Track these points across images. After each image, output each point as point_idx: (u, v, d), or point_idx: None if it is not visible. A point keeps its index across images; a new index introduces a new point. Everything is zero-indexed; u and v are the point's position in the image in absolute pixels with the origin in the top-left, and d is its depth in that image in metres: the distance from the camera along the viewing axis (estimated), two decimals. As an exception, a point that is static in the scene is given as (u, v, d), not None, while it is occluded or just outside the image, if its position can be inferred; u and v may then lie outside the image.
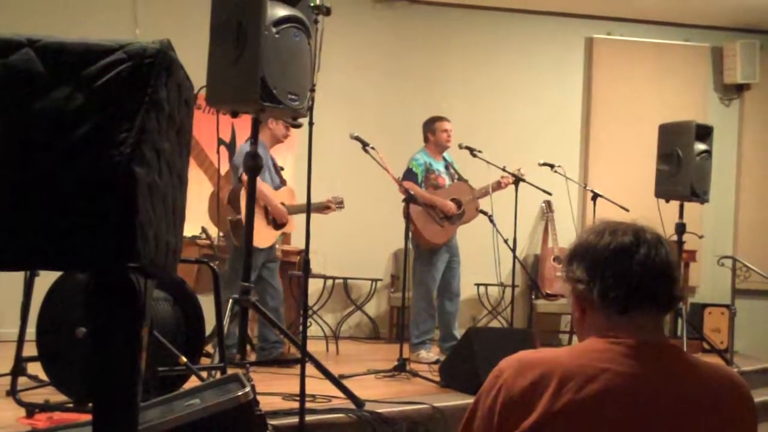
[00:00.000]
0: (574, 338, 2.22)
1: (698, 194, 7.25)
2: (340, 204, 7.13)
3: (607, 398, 1.86)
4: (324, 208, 7.03)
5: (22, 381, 4.53)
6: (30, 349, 4.34)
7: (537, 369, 1.90)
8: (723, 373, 2.02)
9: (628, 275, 1.98)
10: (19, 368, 4.49)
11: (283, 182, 6.92)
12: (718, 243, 10.12)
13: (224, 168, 7.18)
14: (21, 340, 4.46)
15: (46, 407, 4.07)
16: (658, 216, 6.43)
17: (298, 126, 4.72)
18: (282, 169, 7.02)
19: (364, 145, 6.29)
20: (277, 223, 6.66)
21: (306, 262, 4.40)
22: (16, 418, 3.99)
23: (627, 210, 6.64)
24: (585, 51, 10.39)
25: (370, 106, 9.56)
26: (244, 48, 4.42)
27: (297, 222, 6.86)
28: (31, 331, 4.26)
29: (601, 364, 1.89)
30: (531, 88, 10.14)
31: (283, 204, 6.70)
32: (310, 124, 4.43)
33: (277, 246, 6.85)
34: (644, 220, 2.10)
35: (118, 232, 1.50)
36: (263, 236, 6.54)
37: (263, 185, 6.52)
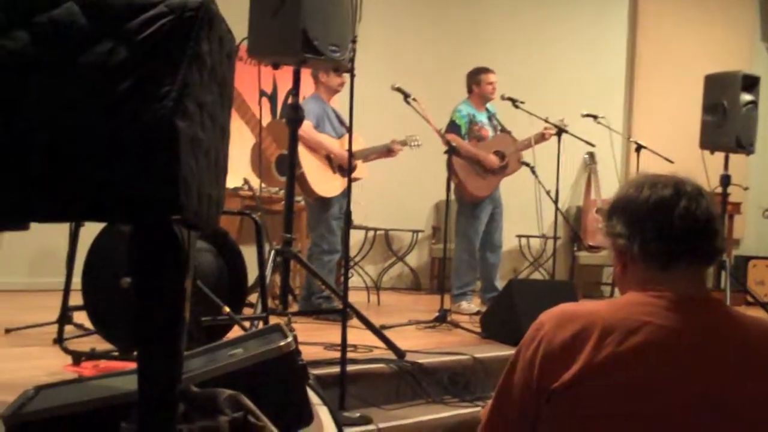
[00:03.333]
0: (616, 291, 2.22)
1: (744, 145, 7.15)
2: (408, 143, 7.10)
3: (648, 351, 1.85)
4: (387, 150, 7.02)
5: (69, 329, 4.60)
6: (76, 298, 4.40)
7: (578, 322, 1.90)
8: (766, 327, 2.01)
9: (668, 229, 1.97)
10: (65, 317, 4.56)
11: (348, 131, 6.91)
12: (763, 195, 10.00)
13: (266, 119, 7.19)
14: (67, 290, 4.53)
15: (92, 355, 4.13)
16: (702, 167, 6.37)
17: (350, 71, 4.70)
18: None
19: (406, 96, 6.26)
20: (344, 171, 6.63)
21: (348, 214, 4.42)
22: (62, 365, 4.05)
23: (671, 161, 6.57)
24: (630, 0, 10.24)
25: (411, 57, 9.50)
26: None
27: (368, 167, 6.91)
28: (76, 280, 4.32)
29: (642, 317, 1.89)
30: (574, 38, 10.01)
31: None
32: (352, 75, 4.42)
33: None
34: (685, 172, 2.08)
35: (161, 185, 1.51)
36: (331, 185, 6.57)
37: (320, 135, 6.54)
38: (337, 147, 6.62)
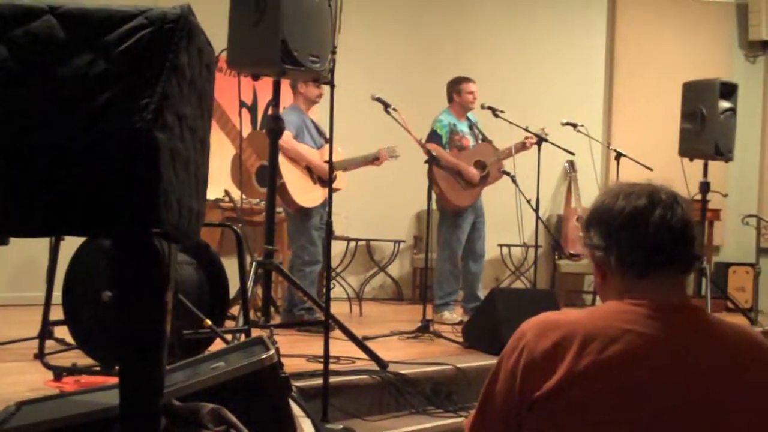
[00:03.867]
0: (598, 299, 2.22)
1: (722, 153, 7.20)
2: (393, 153, 7.11)
3: (629, 359, 1.85)
4: (374, 159, 7.03)
5: (50, 344, 4.57)
6: (57, 313, 4.38)
7: (559, 330, 1.90)
8: (745, 334, 2.02)
9: (644, 239, 1.97)
10: (46, 332, 4.54)
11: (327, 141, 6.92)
12: (742, 202, 10.05)
13: (246, 130, 7.17)
14: (47, 304, 4.50)
15: (74, 370, 4.11)
16: (682, 175, 6.41)
17: (329, 83, 4.70)
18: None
19: (386, 106, 6.27)
20: (324, 181, 6.61)
21: (329, 224, 4.41)
22: (44, 380, 4.03)
23: (650, 169, 6.61)
24: (608, 9, 10.28)
25: (391, 67, 9.51)
26: (265, 10, 4.41)
27: (349, 178, 6.91)
28: (57, 294, 4.29)
29: (623, 325, 1.89)
30: (553, 47, 10.05)
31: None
32: (332, 86, 4.42)
33: None
34: (664, 179, 2.08)
35: (141, 198, 1.50)
36: (311, 196, 6.57)
37: (300, 146, 6.54)
38: (317, 158, 6.62)
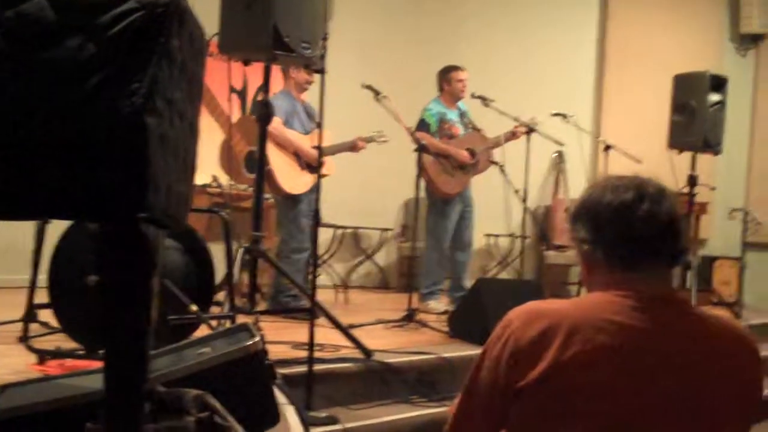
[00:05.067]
0: (583, 290, 2.23)
1: (711, 145, 7.21)
2: (375, 140, 7.11)
3: (614, 350, 1.87)
4: (352, 146, 7.03)
5: (34, 328, 4.56)
6: (42, 296, 4.37)
7: (545, 320, 1.91)
8: (729, 327, 2.03)
9: (630, 233, 1.98)
10: (30, 315, 4.52)
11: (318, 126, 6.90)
12: (730, 195, 10.08)
13: (236, 116, 7.16)
14: (32, 287, 4.49)
15: (58, 354, 4.10)
16: (670, 167, 6.42)
17: (320, 71, 4.69)
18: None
19: (376, 94, 6.27)
20: (312, 168, 6.60)
21: (316, 211, 4.41)
22: (27, 364, 4.02)
23: (639, 161, 6.62)
24: (600, 0, 10.29)
25: (382, 55, 9.49)
26: (257, -4, 4.40)
27: (336, 165, 6.90)
28: (42, 278, 4.28)
29: (608, 315, 1.90)
30: (544, 36, 10.04)
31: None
32: (322, 73, 4.41)
33: None
34: (653, 172, 2.09)
35: (129, 183, 1.49)
36: (299, 182, 6.56)
37: (288, 132, 6.53)
38: (306, 143, 6.61)
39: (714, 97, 7.19)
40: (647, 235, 1.98)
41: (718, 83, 7.27)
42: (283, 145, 6.51)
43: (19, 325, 4.47)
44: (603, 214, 2.01)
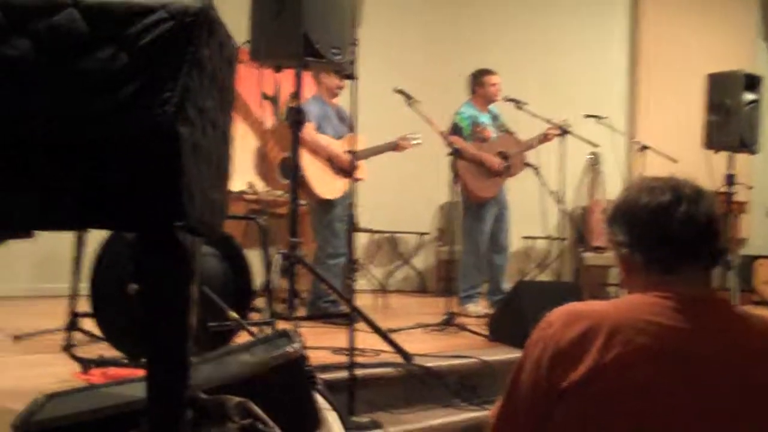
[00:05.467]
0: (622, 291, 2.22)
1: (747, 144, 7.15)
2: (408, 140, 7.10)
3: (655, 351, 1.85)
4: (394, 147, 7.04)
5: (77, 336, 4.60)
6: (83, 305, 4.40)
7: (585, 321, 1.90)
8: (772, 326, 2.01)
9: (669, 235, 1.97)
10: (73, 323, 4.56)
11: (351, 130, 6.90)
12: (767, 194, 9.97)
13: (269, 122, 7.18)
14: (74, 296, 4.52)
15: (101, 362, 4.13)
16: (706, 167, 6.37)
17: (350, 77, 4.70)
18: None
19: (408, 98, 6.27)
20: (345, 172, 6.62)
21: (350, 216, 4.42)
22: (72, 372, 4.05)
23: (675, 161, 6.57)
24: (632, 1, 10.22)
25: (413, 59, 9.49)
26: (287, 3, 4.42)
27: (371, 170, 6.90)
28: (83, 286, 4.31)
29: (649, 317, 1.89)
30: (576, 38, 10.00)
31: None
32: (354, 79, 4.43)
33: None
34: (689, 172, 2.08)
35: (164, 193, 1.51)
36: (333, 187, 6.57)
37: (321, 137, 6.54)
38: (338, 148, 6.62)
39: (749, 96, 7.14)
40: (686, 237, 1.96)
41: (753, 82, 7.21)
42: (315, 150, 6.52)
43: (62, 334, 4.51)
44: (640, 216, 2.00)
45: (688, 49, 9.92)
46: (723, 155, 7.26)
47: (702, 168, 6.28)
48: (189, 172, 1.54)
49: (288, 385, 2.70)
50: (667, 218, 1.96)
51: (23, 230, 1.66)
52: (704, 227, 1.97)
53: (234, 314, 4.07)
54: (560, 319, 1.94)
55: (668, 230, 1.96)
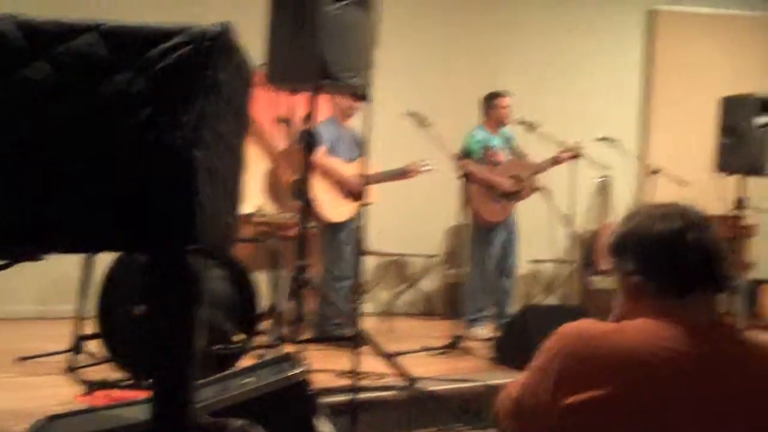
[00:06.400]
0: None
1: (759, 168, 7.15)
2: (417, 167, 7.10)
3: (665, 377, 1.86)
4: (402, 174, 7.04)
5: (81, 358, 4.59)
6: (88, 327, 4.40)
7: (596, 341, 1.91)
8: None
9: (682, 262, 1.98)
10: (78, 345, 4.55)
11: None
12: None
13: (281, 144, 7.19)
14: (80, 318, 4.52)
15: (105, 384, 4.12)
16: (716, 190, 6.37)
17: (365, 99, 4.70)
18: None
19: (421, 121, 6.28)
20: (354, 196, 6.61)
21: (358, 240, 4.41)
22: (74, 394, 4.05)
23: (687, 184, 6.57)
24: (646, 23, 10.23)
25: (426, 83, 9.49)
26: (304, 25, 4.44)
27: (381, 193, 6.87)
28: (89, 308, 4.31)
29: (659, 342, 1.90)
30: (589, 61, 9.99)
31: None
32: (367, 101, 4.44)
33: None
34: (695, 196, 2.10)
35: (178, 216, 1.51)
36: (341, 210, 6.57)
37: (331, 161, 6.55)
38: (349, 171, 6.62)
39: (762, 120, 7.14)
40: (697, 263, 1.97)
41: (766, 105, 7.21)
42: (325, 173, 6.53)
43: (66, 356, 4.50)
44: (654, 244, 2.01)
45: (702, 72, 9.92)
46: (733, 177, 7.26)
47: (712, 191, 6.28)
48: (204, 195, 1.54)
49: (290, 408, 2.70)
50: (680, 245, 1.98)
51: (37, 253, 1.66)
52: (713, 253, 1.99)
53: (242, 337, 4.07)
54: (572, 335, 1.97)
55: (681, 257, 1.98)
